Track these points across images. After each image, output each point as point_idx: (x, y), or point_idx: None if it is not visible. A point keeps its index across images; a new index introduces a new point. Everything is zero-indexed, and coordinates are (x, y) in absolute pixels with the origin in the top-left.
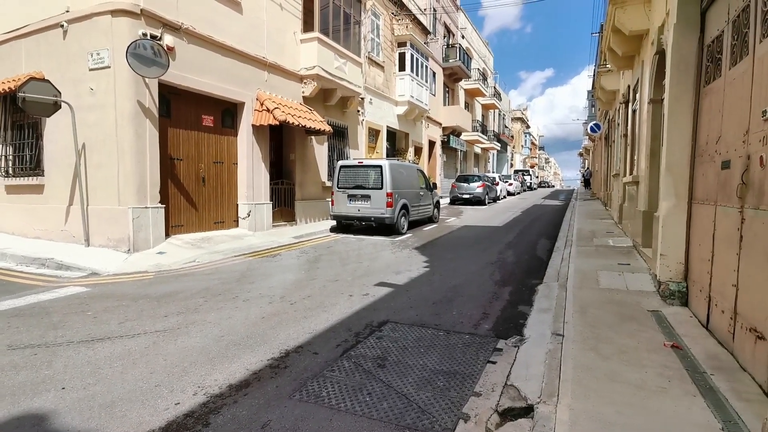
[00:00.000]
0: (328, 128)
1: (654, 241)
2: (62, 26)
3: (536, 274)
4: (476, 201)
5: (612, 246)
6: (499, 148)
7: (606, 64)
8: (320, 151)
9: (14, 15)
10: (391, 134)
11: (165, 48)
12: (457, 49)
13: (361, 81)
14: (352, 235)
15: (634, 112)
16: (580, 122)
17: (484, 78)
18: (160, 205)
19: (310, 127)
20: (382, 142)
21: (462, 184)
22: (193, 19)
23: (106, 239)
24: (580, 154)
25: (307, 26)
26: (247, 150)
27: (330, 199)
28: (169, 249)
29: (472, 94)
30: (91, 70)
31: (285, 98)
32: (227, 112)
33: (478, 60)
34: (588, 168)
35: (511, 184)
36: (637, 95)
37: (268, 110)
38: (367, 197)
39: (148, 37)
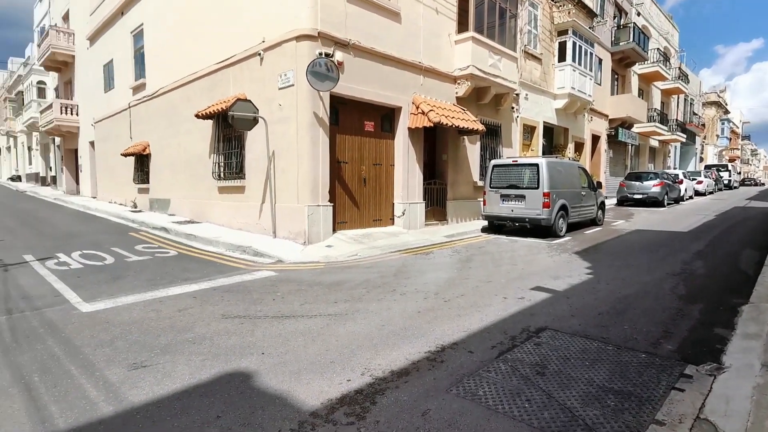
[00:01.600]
0: (480, 127)
1: None
2: (259, 54)
3: (739, 291)
4: (651, 202)
5: None
6: (684, 140)
7: None
8: (472, 150)
9: (224, 49)
10: (548, 130)
11: (336, 63)
12: (630, 30)
13: (516, 76)
14: (504, 236)
15: None
16: None
17: (665, 58)
18: (329, 203)
19: (463, 127)
20: (538, 139)
21: (633, 182)
22: (359, 34)
23: (288, 232)
24: None
25: (462, 27)
26: (402, 152)
27: (482, 199)
28: (336, 243)
29: (648, 78)
30: (279, 89)
31: (439, 100)
32: (386, 117)
33: (658, 38)
34: None
35: (700, 182)
36: None
37: (423, 113)
38: (521, 197)
39: (323, 56)
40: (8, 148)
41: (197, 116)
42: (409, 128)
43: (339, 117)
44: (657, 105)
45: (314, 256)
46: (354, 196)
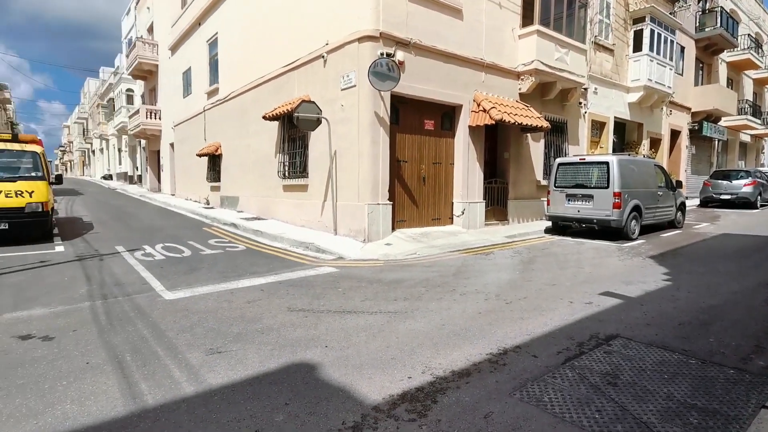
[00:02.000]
0: (545, 124)
1: None
2: (323, 57)
3: None
4: (742, 203)
5: None
6: None
7: None
8: (536, 148)
9: (289, 53)
10: (620, 126)
11: (397, 63)
12: (717, 14)
13: (585, 69)
14: (569, 238)
15: None
16: None
17: (757, 45)
18: (388, 202)
19: (526, 125)
20: (608, 136)
21: (720, 181)
22: (420, 33)
23: (348, 230)
24: None
25: (526, 20)
26: (463, 150)
27: (545, 199)
28: (395, 241)
29: (738, 67)
30: (342, 90)
31: (501, 97)
32: (446, 116)
33: (748, 23)
34: None
35: None
36: None
37: (484, 110)
38: (589, 197)
39: (384, 56)
40: (101, 150)
41: (264, 118)
42: (470, 126)
43: (399, 116)
44: (749, 96)
45: (374, 253)
46: (413, 194)
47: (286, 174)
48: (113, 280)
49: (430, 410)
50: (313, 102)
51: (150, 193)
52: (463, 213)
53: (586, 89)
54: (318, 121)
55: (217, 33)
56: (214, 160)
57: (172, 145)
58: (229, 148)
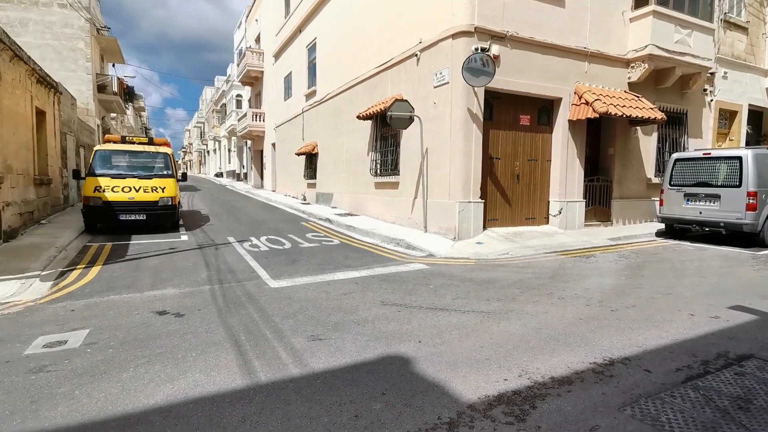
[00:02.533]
0: (659, 116)
1: None
2: (416, 55)
3: None
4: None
5: None
6: None
7: None
8: (646, 143)
9: (382, 53)
10: (756, 115)
11: (492, 57)
12: None
13: (712, 52)
14: (687, 243)
15: None
16: None
17: None
18: (479, 200)
19: (636, 117)
20: (741, 127)
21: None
22: (517, 24)
23: (438, 227)
24: None
25: (640, 1)
26: (561, 146)
27: (657, 199)
28: (486, 240)
29: None
30: (434, 87)
31: (606, 87)
32: (543, 110)
33: None
34: None
35: None
36: None
37: (586, 103)
38: (714, 197)
39: (479, 51)
40: (214, 150)
41: (358, 117)
42: (570, 120)
43: (493, 112)
44: None
45: (464, 252)
46: (506, 193)
47: (378, 171)
48: (227, 267)
49: (528, 415)
50: (406, 100)
51: (254, 189)
52: (560, 213)
53: (712, 74)
54: (410, 119)
55: (315, 38)
56: (311, 159)
57: (273, 144)
58: (325, 147)
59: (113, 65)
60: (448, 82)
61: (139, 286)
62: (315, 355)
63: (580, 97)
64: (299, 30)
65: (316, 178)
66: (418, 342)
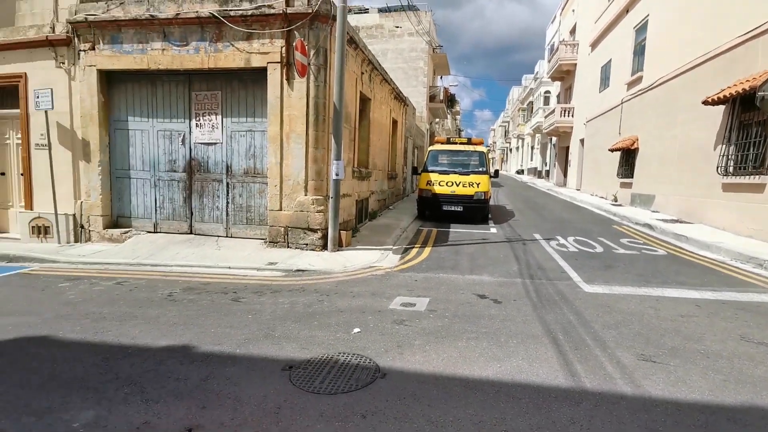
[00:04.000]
0: None
1: None
2: None
3: None
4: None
5: None
6: None
7: None
8: None
9: (748, 18)
10: None
11: None
12: None
13: None
14: None
15: None
16: None
17: None
18: None
19: None
20: None
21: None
22: None
23: None
24: None
25: None
26: None
27: None
28: None
29: None
30: None
31: None
32: None
33: None
34: None
35: None
36: None
37: None
38: None
39: None
40: (517, 148)
41: (705, 103)
42: None
43: None
44: None
45: None
46: None
47: (730, 170)
48: (536, 263)
49: None
50: None
51: (556, 187)
52: None
53: None
54: None
55: (647, 15)
56: (628, 155)
57: (581, 140)
58: (648, 141)
59: (441, 77)
60: None
61: (461, 269)
62: (649, 378)
63: None
64: (626, 10)
65: (632, 177)
66: None
